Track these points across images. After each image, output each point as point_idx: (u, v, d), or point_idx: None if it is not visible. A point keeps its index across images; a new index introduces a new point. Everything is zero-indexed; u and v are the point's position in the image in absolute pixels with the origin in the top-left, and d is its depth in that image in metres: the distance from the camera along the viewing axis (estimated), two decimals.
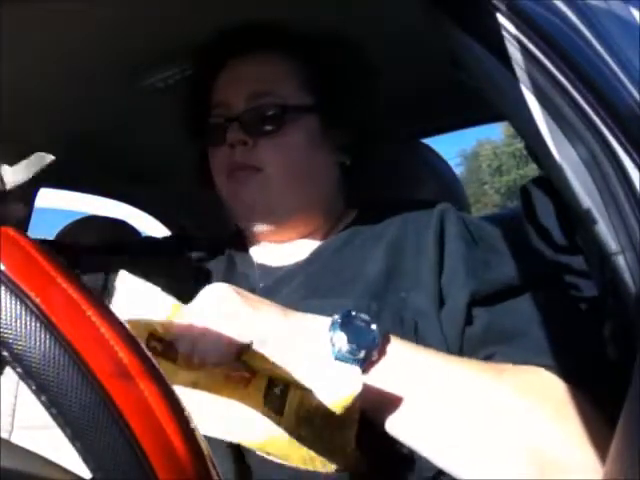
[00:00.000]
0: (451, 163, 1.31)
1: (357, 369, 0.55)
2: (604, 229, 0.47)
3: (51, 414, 0.31)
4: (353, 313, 0.59)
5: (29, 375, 0.31)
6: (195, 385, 0.57)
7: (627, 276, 0.46)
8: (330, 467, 0.55)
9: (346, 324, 0.58)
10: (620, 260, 0.46)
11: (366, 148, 0.87)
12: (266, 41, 0.82)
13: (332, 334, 0.57)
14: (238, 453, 0.62)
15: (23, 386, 0.32)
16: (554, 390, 0.55)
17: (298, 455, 0.55)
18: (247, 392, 0.58)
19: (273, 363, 0.55)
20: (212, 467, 0.34)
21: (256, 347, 0.56)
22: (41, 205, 1.24)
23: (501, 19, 0.50)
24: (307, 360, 0.57)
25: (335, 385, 0.53)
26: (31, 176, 0.71)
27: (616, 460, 0.41)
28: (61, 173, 1.21)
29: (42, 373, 0.31)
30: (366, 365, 0.57)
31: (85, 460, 0.31)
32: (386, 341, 0.59)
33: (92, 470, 0.31)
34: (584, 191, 0.48)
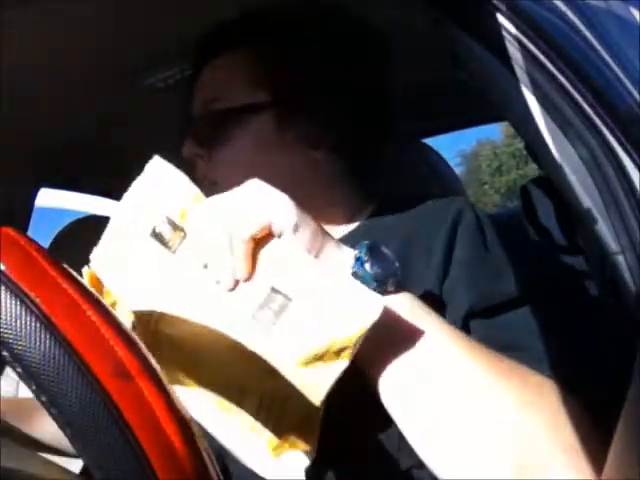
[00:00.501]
0: (451, 163, 1.31)
1: (378, 295, 0.52)
2: (604, 229, 0.47)
3: (51, 414, 0.31)
4: (382, 246, 0.57)
5: (29, 375, 0.31)
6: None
7: (627, 276, 0.46)
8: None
9: (373, 248, 0.56)
10: (620, 260, 0.46)
11: (352, 143, 0.80)
12: (218, 45, 0.77)
13: (357, 251, 0.56)
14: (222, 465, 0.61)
15: (23, 386, 0.32)
16: (552, 397, 0.54)
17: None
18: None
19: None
20: (211, 466, 0.34)
21: (288, 232, 0.54)
22: (41, 205, 1.24)
23: (501, 19, 0.50)
24: (329, 265, 0.54)
25: (353, 308, 0.50)
26: None
27: (616, 460, 0.41)
28: (61, 173, 1.21)
29: (42, 373, 0.31)
30: (382, 290, 0.55)
31: (85, 460, 0.31)
32: (405, 287, 0.57)
33: (92, 470, 0.31)
34: (584, 191, 0.48)
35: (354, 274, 0.55)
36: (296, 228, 0.55)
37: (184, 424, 0.33)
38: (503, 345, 0.58)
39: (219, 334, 0.51)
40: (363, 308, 0.50)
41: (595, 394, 0.53)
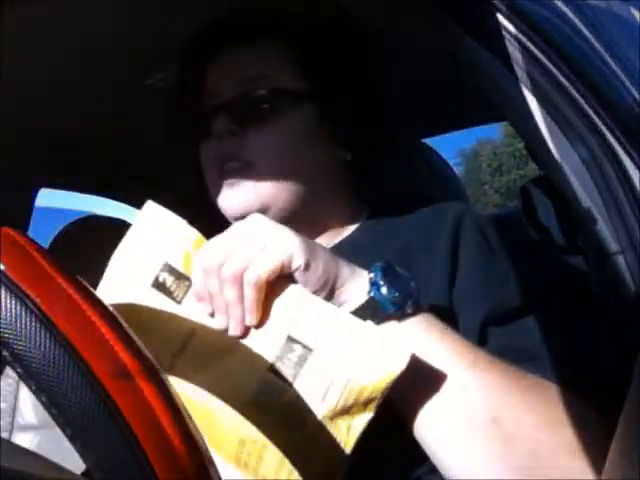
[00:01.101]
0: (451, 163, 1.31)
1: (405, 347, 0.49)
2: (604, 229, 0.47)
3: (51, 414, 0.31)
4: (395, 266, 0.56)
5: (29, 375, 0.31)
6: (192, 334, 0.51)
7: (627, 276, 0.46)
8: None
9: (387, 269, 0.55)
10: (620, 260, 0.46)
11: (371, 143, 0.80)
12: (259, 28, 0.76)
13: (372, 275, 0.55)
14: None
15: (23, 386, 0.32)
16: (557, 401, 0.54)
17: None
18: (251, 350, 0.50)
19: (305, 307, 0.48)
20: (211, 467, 0.34)
21: (299, 272, 0.51)
22: (41, 205, 1.24)
23: (501, 19, 0.50)
24: (348, 301, 0.52)
25: (379, 354, 0.47)
26: None
27: (616, 460, 0.41)
28: (61, 173, 1.21)
29: (42, 373, 0.31)
30: (400, 314, 0.54)
31: (85, 460, 0.31)
32: (421, 307, 0.56)
33: (92, 470, 0.31)
34: (584, 191, 0.48)
35: (371, 299, 0.54)
36: (307, 266, 0.53)
37: (184, 424, 0.33)
38: (519, 354, 0.58)
39: (235, 387, 0.48)
40: (390, 357, 0.48)
41: (596, 394, 0.53)
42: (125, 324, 0.35)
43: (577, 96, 0.48)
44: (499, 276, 0.64)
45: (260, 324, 0.50)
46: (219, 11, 0.78)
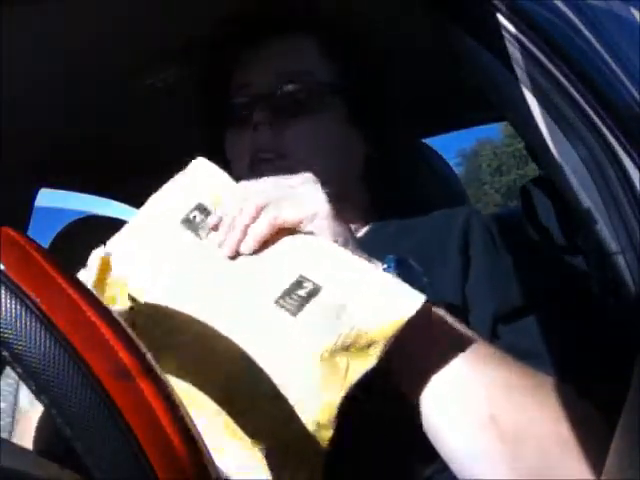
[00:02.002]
0: (451, 163, 1.31)
1: (417, 293, 0.47)
2: (604, 229, 0.47)
3: (51, 414, 0.31)
4: (410, 260, 0.56)
5: (29, 375, 0.31)
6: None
7: (627, 276, 0.46)
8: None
9: (401, 262, 0.55)
10: (620, 260, 0.46)
11: (395, 141, 0.83)
12: (295, 23, 0.77)
13: (386, 266, 0.54)
14: None
15: (23, 386, 0.32)
16: (560, 400, 0.54)
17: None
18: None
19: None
20: (211, 466, 0.34)
21: (325, 234, 0.52)
22: (41, 205, 1.24)
23: (501, 19, 0.50)
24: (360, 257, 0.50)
25: (388, 302, 0.45)
26: None
27: (616, 460, 0.41)
28: (61, 173, 1.21)
29: (42, 373, 0.31)
30: None
31: (85, 460, 0.31)
32: (431, 303, 0.55)
33: (92, 470, 0.31)
34: (584, 191, 0.48)
35: None
36: (322, 229, 0.53)
37: (184, 424, 0.33)
38: (525, 352, 0.58)
39: (229, 342, 0.46)
40: (399, 304, 0.46)
41: (596, 394, 0.53)
42: (125, 324, 0.35)
43: (577, 96, 0.48)
44: (506, 275, 0.65)
45: (274, 263, 0.50)
46: (219, 11, 0.78)
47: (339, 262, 0.50)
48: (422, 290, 0.53)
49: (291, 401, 0.45)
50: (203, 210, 0.53)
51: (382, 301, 0.47)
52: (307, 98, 0.74)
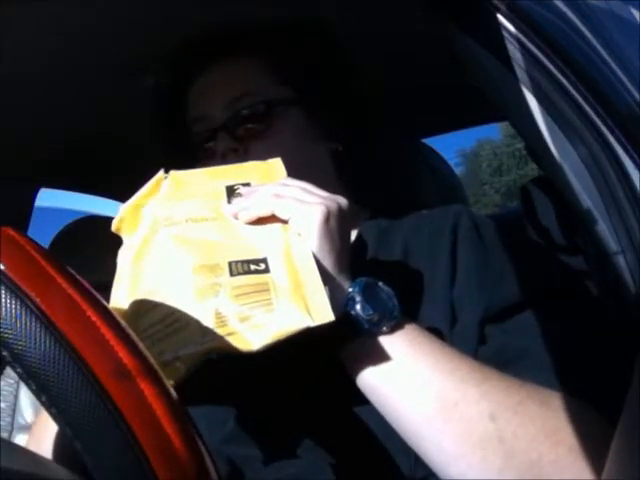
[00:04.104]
0: (451, 163, 1.31)
1: (308, 318, 0.49)
2: (604, 229, 0.47)
3: (51, 414, 0.31)
4: (379, 283, 0.57)
5: (29, 375, 0.31)
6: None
7: (627, 276, 0.46)
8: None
9: (368, 287, 0.56)
10: (620, 260, 0.46)
11: (356, 132, 0.84)
12: (231, 46, 0.79)
13: (352, 290, 0.55)
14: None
15: (23, 386, 0.32)
16: (556, 408, 0.53)
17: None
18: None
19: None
20: (211, 466, 0.34)
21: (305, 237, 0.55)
22: (41, 205, 1.24)
23: (501, 19, 0.50)
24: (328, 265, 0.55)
25: (295, 312, 0.48)
26: None
27: (616, 460, 0.41)
28: (61, 173, 1.21)
29: (42, 373, 0.31)
30: (375, 332, 0.55)
31: (85, 460, 0.31)
32: (405, 321, 0.56)
33: (92, 470, 0.31)
34: (584, 191, 0.48)
35: (347, 313, 0.54)
36: (320, 243, 0.55)
37: (184, 424, 0.33)
38: (518, 353, 0.58)
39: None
40: (295, 318, 0.49)
41: (595, 394, 0.53)
42: (125, 324, 0.35)
43: (577, 96, 0.48)
44: (495, 274, 0.64)
45: (258, 237, 0.56)
46: (220, 11, 0.78)
47: (296, 253, 0.54)
48: (390, 312, 0.55)
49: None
50: (247, 186, 0.61)
51: (297, 308, 0.49)
52: (261, 118, 0.77)
